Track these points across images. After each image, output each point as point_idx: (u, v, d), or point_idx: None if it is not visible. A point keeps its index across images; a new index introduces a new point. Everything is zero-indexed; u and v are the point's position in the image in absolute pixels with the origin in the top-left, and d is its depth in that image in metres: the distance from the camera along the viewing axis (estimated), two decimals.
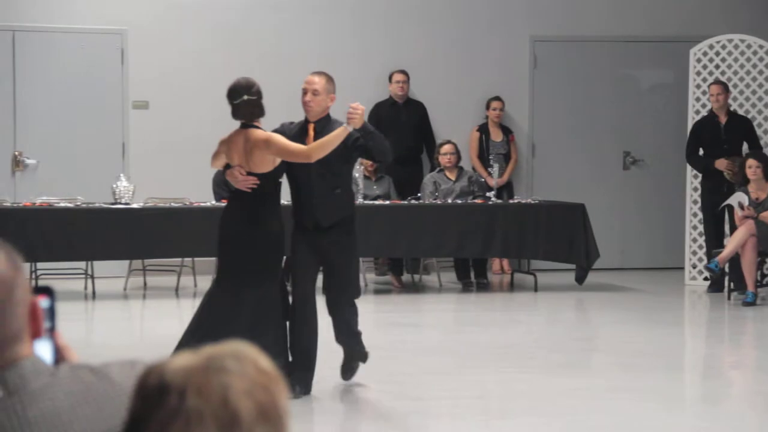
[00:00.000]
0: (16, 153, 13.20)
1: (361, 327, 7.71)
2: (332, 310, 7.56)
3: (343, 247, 7.46)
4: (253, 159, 7.21)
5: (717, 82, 12.92)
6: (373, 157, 7.53)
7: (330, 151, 7.07)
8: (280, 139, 7.19)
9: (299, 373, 7.30)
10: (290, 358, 7.32)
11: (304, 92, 7.44)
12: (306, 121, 7.43)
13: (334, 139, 7.05)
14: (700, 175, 12.92)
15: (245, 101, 7.22)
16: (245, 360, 1.68)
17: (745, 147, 12.76)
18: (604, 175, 14.55)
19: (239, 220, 7.29)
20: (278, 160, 7.22)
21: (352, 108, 7.12)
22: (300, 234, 7.49)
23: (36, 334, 2.11)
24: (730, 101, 12.96)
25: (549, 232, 12.24)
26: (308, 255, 7.44)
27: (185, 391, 1.64)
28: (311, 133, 7.34)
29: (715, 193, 12.56)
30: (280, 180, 7.49)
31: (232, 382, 1.65)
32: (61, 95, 13.24)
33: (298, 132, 7.39)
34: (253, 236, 7.22)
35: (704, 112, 13.03)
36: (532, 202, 12.63)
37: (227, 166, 7.42)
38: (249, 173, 7.24)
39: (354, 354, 7.71)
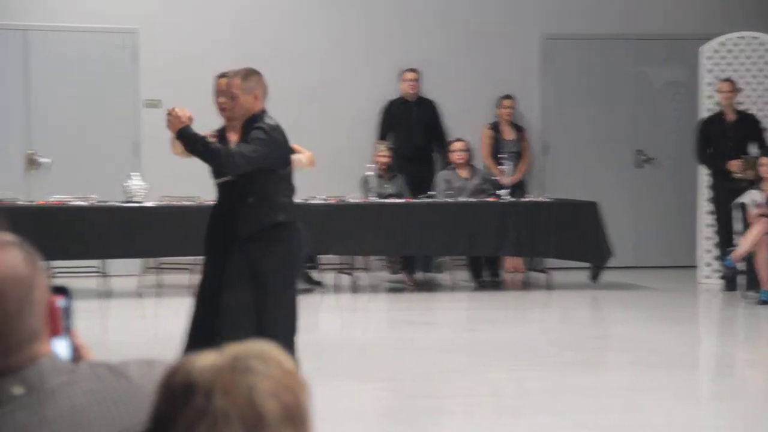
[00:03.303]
0: (30, 152, 13.24)
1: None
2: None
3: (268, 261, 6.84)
4: None
5: (726, 79, 12.90)
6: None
7: (187, 154, 6.85)
8: None
9: None
10: None
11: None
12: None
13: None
14: (711, 173, 12.91)
15: None
16: (270, 361, 1.68)
17: (753, 145, 12.73)
18: (616, 173, 14.53)
19: None
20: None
21: (167, 112, 6.81)
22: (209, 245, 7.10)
23: (54, 333, 2.11)
24: (741, 99, 12.93)
25: (562, 230, 12.22)
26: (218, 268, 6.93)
27: (212, 392, 1.64)
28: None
29: (726, 191, 12.53)
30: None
31: (258, 382, 1.65)
32: (74, 94, 13.27)
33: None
34: None
35: (716, 110, 13.01)
36: (545, 200, 12.62)
37: None
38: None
39: None
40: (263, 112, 6.90)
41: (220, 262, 6.88)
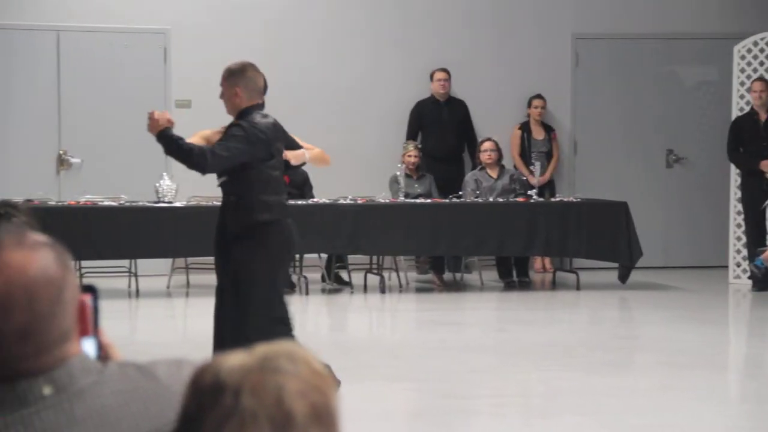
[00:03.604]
0: (61, 152, 13.31)
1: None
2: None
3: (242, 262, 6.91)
4: None
5: (760, 78, 12.84)
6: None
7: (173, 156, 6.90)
8: None
9: None
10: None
11: None
12: None
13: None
14: (742, 172, 12.86)
15: None
16: (299, 361, 1.69)
17: None
18: (647, 173, 14.48)
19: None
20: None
21: (148, 115, 6.84)
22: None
23: (84, 333, 2.13)
24: None
25: (591, 230, 12.19)
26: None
27: (240, 391, 1.65)
28: None
29: (757, 191, 12.47)
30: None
31: (286, 382, 1.65)
32: (105, 94, 13.33)
33: None
34: None
35: (748, 110, 12.95)
36: (575, 200, 12.59)
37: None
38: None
39: None
40: (253, 107, 6.91)
41: (221, 263, 7.01)
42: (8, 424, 2.02)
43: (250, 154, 6.81)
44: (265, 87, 7.29)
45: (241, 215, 6.88)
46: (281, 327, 6.91)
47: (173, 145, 6.79)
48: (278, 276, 7.02)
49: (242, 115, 6.88)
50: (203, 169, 6.89)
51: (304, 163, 7.68)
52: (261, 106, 7.02)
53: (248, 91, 6.91)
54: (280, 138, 7.06)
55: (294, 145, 7.46)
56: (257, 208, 6.85)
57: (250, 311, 6.82)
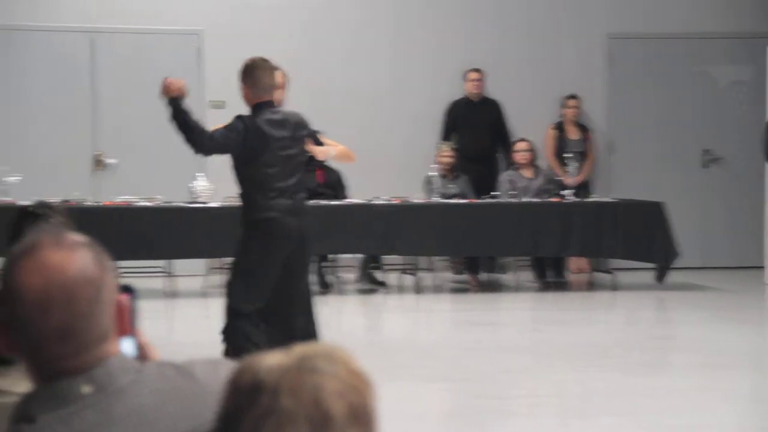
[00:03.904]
0: (97, 153, 13.38)
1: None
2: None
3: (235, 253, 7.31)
4: None
5: None
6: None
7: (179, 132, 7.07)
8: None
9: None
10: None
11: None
12: None
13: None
14: None
15: None
16: (337, 361, 1.69)
17: None
18: (682, 173, 14.42)
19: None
20: None
21: (162, 80, 7.07)
22: None
23: (122, 333, 2.13)
24: None
25: (627, 230, 12.14)
26: None
27: (278, 391, 1.65)
28: None
29: None
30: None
31: (324, 383, 1.65)
32: (140, 95, 13.38)
33: None
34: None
35: None
36: (610, 200, 12.55)
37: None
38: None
39: None
40: (262, 104, 7.06)
41: None
42: (49, 424, 2.03)
43: (241, 146, 7.01)
44: (285, 83, 7.53)
45: (241, 212, 7.25)
46: (242, 320, 7.09)
47: (180, 117, 7.01)
48: (255, 271, 7.09)
49: (252, 111, 7.12)
50: (199, 148, 7.12)
51: (328, 159, 7.85)
52: (270, 103, 7.17)
53: (255, 89, 7.14)
54: (286, 135, 7.12)
55: (318, 143, 7.59)
56: (250, 206, 7.11)
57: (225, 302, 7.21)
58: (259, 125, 7.00)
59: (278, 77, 7.55)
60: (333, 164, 11.59)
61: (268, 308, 7.12)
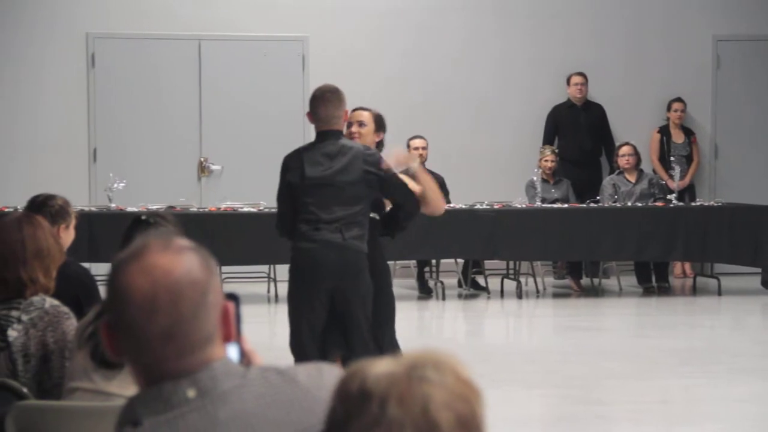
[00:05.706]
0: (202, 159, 13.54)
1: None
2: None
3: None
4: None
5: None
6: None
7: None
8: None
9: None
10: None
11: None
12: None
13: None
14: None
15: None
16: (446, 369, 1.69)
17: None
18: None
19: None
20: None
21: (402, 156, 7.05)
22: None
23: (227, 338, 2.16)
24: None
25: (733, 234, 11.97)
26: None
27: (387, 400, 1.66)
28: None
29: None
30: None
31: (433, 392, 1.66)
32: (245, 102, 13.52)
33: None
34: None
35: None
36: (715, 204, 12.39)
37: None
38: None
39: None
40: (322, 133, 6.97)
41: None
42: (154, 427, 2.06)
43: (283, 176, 7.12)
44: (370, 122, 7.36)
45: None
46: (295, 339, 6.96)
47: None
48: (296, 298, 6.94)
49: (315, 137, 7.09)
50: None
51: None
52: (328, 133, 6.97)
53: (314, 119, 7.08)
54: (336, 167, 6.90)
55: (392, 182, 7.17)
56: (295, 233, 7.02)
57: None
58: (299, 154, 7.01)
59: (359, 116, 7.39)
60: (435, 169, 11.56)
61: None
